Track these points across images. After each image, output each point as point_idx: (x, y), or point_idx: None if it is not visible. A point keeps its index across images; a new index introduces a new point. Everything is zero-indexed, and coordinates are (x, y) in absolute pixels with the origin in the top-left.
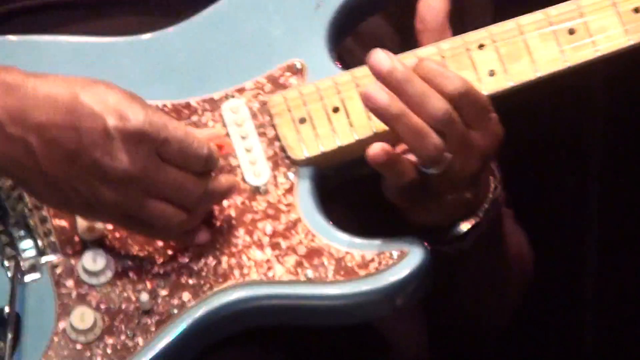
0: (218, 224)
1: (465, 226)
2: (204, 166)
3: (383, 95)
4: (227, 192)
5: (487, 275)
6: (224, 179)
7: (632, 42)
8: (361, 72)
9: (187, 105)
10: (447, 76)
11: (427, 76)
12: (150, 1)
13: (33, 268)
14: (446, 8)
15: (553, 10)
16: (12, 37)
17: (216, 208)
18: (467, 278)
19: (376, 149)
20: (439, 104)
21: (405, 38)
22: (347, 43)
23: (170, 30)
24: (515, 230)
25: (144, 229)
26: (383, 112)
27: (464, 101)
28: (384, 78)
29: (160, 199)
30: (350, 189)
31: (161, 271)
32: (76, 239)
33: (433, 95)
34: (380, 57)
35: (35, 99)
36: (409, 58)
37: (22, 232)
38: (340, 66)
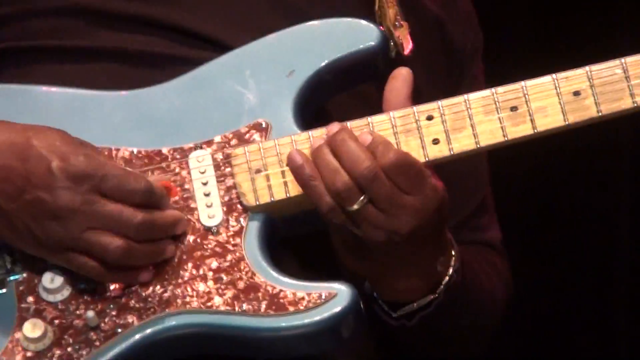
0: (174, 257)
1: (420, 302)
2: (142, 198)
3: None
4: (171, 225)
5: (444, 338)
6: (169, 212)
7: (568, 123)
8: (318, 132)
9: (159, 153)
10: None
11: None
12: (127, 54)
13: (2, 283)
14: (408, 92)
15: (500, 88)
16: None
17: (171, 241)
18: (415, 344)
19: (294, 153)
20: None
21: None
22: (342, 99)
23: (152, 88)
24: (486, 273)
25: (87, 266)
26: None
27: (396, 172)
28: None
29: (100, 229)
30: (305, 243)
31: (112, 294)
32: (39, 260)
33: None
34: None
35: None
36: (362, 123)
37: None
38: (301, 129)
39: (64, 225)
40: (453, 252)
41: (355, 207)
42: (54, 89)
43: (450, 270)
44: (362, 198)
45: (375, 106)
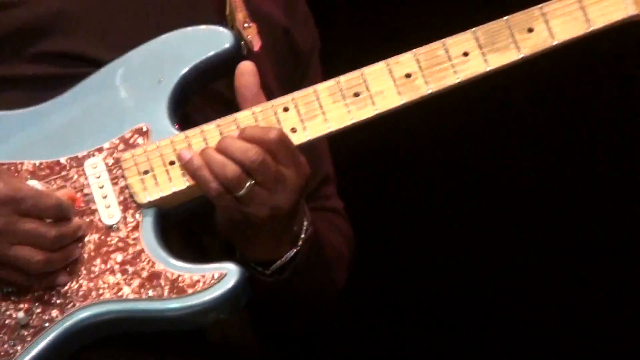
0: (80, 255)
1: (288, 255)
2: (56, 213)
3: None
4: (77, 232)
5: (309, 289)
6: (75, 221)
7: (404, 101)
8: (193, 132)
9: (58, 163)
10: (266, 130)
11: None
12: (27, 80)
13: None
14: (257, 81)
15: (342, 77)
16: None
17: (80, 243)
18: (289, 298)
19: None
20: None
21: None
22: (198, 103)
23: (45, 104)
24: (334, 232)
25: (13, 278)
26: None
27: (281, 145)
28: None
29: (22, 245)
30: (190, 225)
31: (35, 294)
32: None
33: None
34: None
35: None
36: (230, 120)
37: None
38: (178, 127)
39: None
40: (305, 210)
41: (244, 191)
42: None
43: (305, 225)
44: (249, 182)
45: (227, 101)
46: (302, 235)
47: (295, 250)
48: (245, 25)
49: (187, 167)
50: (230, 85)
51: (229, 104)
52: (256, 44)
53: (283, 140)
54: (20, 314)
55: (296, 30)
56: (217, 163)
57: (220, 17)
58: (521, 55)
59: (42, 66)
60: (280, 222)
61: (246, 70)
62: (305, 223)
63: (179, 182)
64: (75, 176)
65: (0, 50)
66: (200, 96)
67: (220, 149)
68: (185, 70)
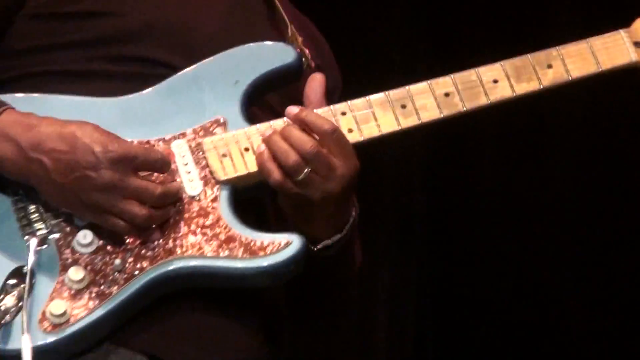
0: (170, 217)
1: (334, 238)
2: (162, 165)
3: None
4: (176, 193)
5: (342, 271)
6: (175, 184)
7: (443, 115)
8: (264, 126)
9: (148, 142)
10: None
11: (307, 123)
12: (115, 76)
13: (43, 241)
14: (323, 89)
15: (391, 92)
16: (18, 95)
17: (171, 207)
18: (330, 274)
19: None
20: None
21: None
22: (256, 112)
23: (134, 95)
24: (358, 247)
25: (119, 226)
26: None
27: (335, 139)
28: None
29: (130, 199)
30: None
31: (129, 247)
32: (73, 222)
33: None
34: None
35: (46, 133)
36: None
37: (37, 216)
38: (249, 122)
39: (106, 196)
40: (354, 201)
41: (302, 176)
42: (63, 96)
43: (353, 215)
44: (307, 170)
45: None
46: (349, 224)
47: (340, 235)
48: (303, 47)
49: (258, 158)
50: (281, 100)
51: (279, 116)
52: (312, 63)
53: (335, 133)
54: (117, 261)
55: (327, 68)
56: (281, 151)
57: (281, 38)
58: (541, 87)
59: (128, 65)
60: (331, 207)
61: (317, 78)
62: (353, 214)
63: (252, 166)
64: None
65: (94, 49)
66: (256, 107)
67: (283, 136)
68: (257, 75)
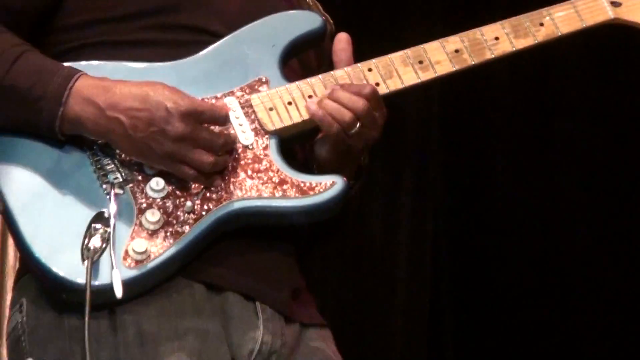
0: (228, 166)
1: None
2: (225, 120)
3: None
4: (235, 141)
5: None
6: (232, 134)
7: (455, 68)
8: (303, 83)
9: (202, 100)
10: (363, 86)
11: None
12: (166, 43)
13: (120, 188)
14: (350, 48)
15: (408, 50)
16: (82, 62)
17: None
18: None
19: (312, 104)
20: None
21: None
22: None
23: (183, 60)
24: None
25: (189, 174)
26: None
27: (375, 97)
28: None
29: (199, 148)
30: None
31: (195, 191)
32: (144, 171)
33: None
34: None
35: (122, 94)
36: (329, 75)
37: (113, 167)
38: (286, 79)
39: (178, 146)
40: None
41: (355, 130)
42: (122, 62)
43: (367, 160)
44: (359, 124)
45: (313, 66)
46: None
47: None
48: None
49: (315, 116)
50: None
51: (312, 73)
52: (333, 27)
53: (375, 93)
54: (188, 203)
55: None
56: (337, 110)
57: (300, 7)
58: (536, 41)
59: (174, 33)
60: (364, 152)
61: (344, 38)
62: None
63: (296, 117)
64: None
65: (146, 20)
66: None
67: (333, 98)
68: (291, 39)
